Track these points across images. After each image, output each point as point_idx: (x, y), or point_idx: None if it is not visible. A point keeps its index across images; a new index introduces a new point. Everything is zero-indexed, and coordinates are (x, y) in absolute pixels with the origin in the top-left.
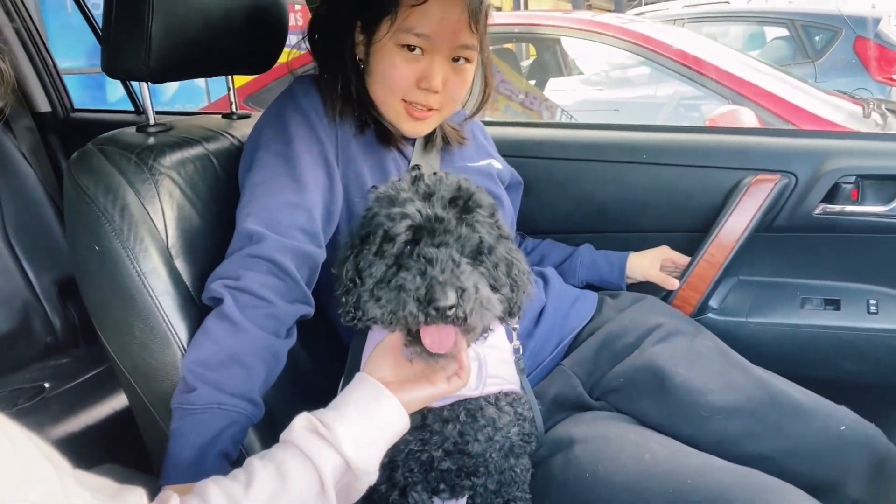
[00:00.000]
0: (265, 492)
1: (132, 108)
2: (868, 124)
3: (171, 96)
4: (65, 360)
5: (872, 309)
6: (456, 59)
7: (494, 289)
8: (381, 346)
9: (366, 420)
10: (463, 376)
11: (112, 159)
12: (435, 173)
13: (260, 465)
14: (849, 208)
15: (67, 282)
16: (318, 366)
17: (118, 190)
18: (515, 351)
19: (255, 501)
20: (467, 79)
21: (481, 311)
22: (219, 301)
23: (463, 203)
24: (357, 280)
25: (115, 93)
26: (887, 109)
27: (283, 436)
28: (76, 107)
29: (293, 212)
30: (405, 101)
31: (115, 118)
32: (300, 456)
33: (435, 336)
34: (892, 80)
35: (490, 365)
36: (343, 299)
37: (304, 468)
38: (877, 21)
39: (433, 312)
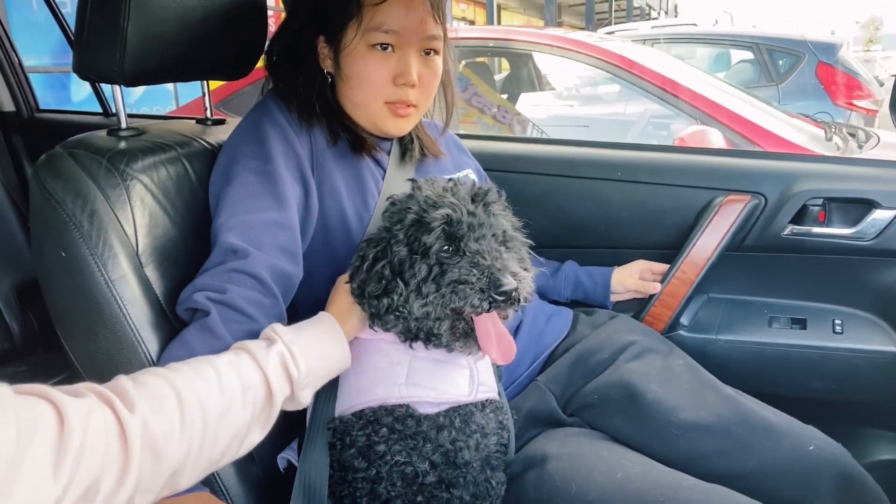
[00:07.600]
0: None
1: (99, 110)
2: (829, 147)
3: (137, 98)
4: (22, 367)
5: (838, 329)
6: (427, 53)
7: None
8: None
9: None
10: None
11: (82, 163)
12: (450, 179)
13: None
14: (816, 230)
15: (28, 286)
16: None
17: (87, 195)
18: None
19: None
20: (438, 70)
21: (528, 290)
22: (200, 313)
23: (482, 198)
24: (397, 280)
25: (79, 92)
26: (848, 133)
27: None
28: (41, 107)
29: (276, 231)
30: (386, 102)
31: (83, 120)
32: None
33: (499, 348)
34: (852, 105)
35: (480, 372)
36: (384, 300)
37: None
38: (838, 47)
39: (500, 297)
